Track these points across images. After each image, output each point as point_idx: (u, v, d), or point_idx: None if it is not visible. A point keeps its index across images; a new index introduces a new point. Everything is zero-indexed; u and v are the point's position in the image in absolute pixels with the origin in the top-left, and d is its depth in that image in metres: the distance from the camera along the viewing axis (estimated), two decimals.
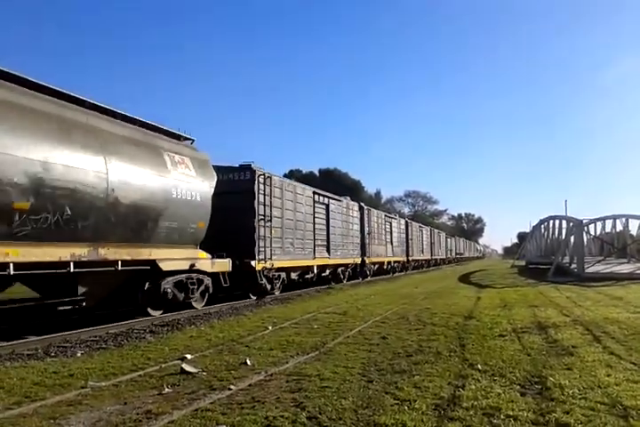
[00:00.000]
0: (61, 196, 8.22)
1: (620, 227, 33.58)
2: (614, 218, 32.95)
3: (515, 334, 8.17)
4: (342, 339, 7.96)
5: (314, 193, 19.48)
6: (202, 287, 12.25)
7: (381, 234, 29.45)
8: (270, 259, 15.06)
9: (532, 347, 7.12)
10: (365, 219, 25.96)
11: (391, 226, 31.97)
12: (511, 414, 4.22)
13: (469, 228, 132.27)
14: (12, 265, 7.52)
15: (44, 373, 6.06)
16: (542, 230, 39.34)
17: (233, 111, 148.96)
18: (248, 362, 6.32)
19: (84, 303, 9.60)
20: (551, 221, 36.21)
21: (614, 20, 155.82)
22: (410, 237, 37.14)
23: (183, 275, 11.50)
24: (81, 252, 8.70)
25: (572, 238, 28.79)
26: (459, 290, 18.69)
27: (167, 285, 11.02)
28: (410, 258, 36.92)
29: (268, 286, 15.58)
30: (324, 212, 20.45)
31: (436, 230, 54.56)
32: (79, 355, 7.28)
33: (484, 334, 8.16)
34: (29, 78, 8.63)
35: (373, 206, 25.92)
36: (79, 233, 8.66)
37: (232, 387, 5.20)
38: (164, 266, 10.70)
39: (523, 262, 45.78)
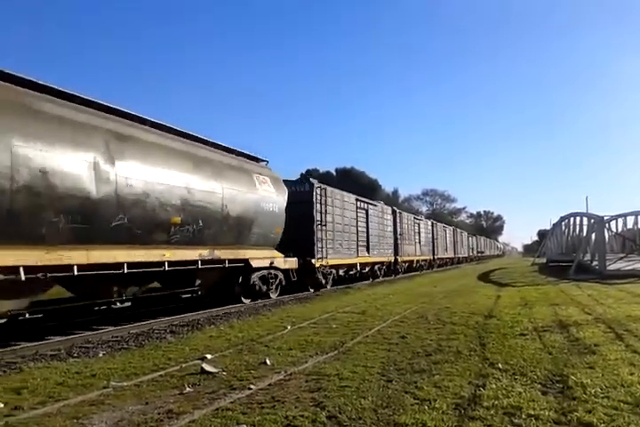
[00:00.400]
0: (198, 212, 11.16)
1: None
2: (636, 214, 32.42)
3: (536, 333, 8.10)
4: (361, 338, 7.96)
5: (356, 200, 22.30)
6: (277, 281, 15.31)
7: (411, 235, 31.86)
8: (325, 258, 17.99)
9: (553, 346, 7.05)
10: (397, 221, 28.46)
11: (419, 227, 34.45)
12: (532, 413, 4.18)
13: (488, 226, 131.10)
14: (166, 263, 10.31)
15: (66, 373, 6.15)
16: (563, 228, 38.91)
17: (249, 111, 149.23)
18: (267, 362, 6.35)
19: (199, 292, 12.80)
20: (572, 219, 35.79)
21: (617, 21, 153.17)
22: (435, 236, 39.48)
23: (265, 271, 14.56)
24: (204, 253, 11.55)
25: (594, 235, 28.45)
26: (478, 289, 18.57)
27: (255, 278, 14.04)
28: (435, 256, 39.20)
29: (323, 281, 18.40)
30: (365, 216, 23.25)
31: (458, 230, 56.39)
32: (101, 355, 7.38)
33: (505, 333, 8.10)
34: (173, 127, 11.62)
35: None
36: (204, 239, 11.54)
37: (252, 387, 5.23)
38: (254, 263, 13.68)
39: (543, 260, 45.33)
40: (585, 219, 31.81)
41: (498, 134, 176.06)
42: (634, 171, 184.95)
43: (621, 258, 28.83)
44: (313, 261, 17.10)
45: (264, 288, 14.54)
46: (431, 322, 9.57)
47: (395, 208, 29.13)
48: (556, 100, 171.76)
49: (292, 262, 15.84)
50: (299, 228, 16.10)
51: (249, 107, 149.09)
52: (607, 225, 28.80)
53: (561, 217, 39.93)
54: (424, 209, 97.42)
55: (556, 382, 5.17)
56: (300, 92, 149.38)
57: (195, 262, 11.22)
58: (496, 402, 4.47)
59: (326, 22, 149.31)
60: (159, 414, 4.45)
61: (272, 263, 14.59)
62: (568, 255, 33.80)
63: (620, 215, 31.18)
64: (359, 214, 22.30)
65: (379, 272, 25.42)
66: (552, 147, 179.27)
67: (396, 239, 27.76)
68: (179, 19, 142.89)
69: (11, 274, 7.21)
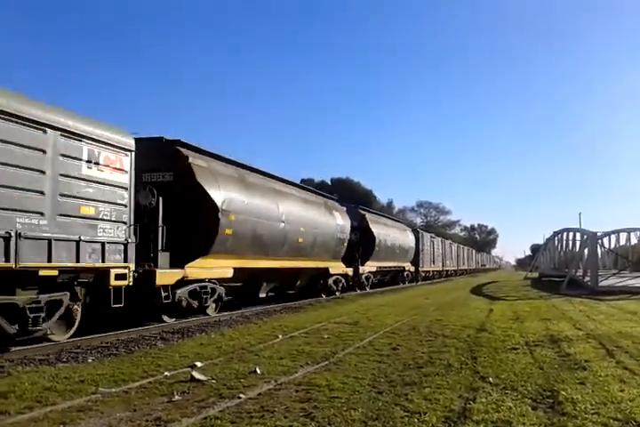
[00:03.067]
0: (319, 234, 18.02)
1: (634, 240, 33.28)
2: (629, 231, 32.60)
3: (527, 348, 8.10)
4: (352, 349, 7.94)
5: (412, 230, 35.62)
6: (341, 283, 21.34)
7: (427, 250, 39.06)
8: (363, 265, 24.52)
9: (544, 360, 7.05)
10: (419, 239, 35.91)
11: (433, 244, 41.66)
12: None
13: (482, 239, 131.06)
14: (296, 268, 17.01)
15: (55, 378, 6.09)
16: (556, 243, 39.03)
17: (241, 116, 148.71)
18: (258, 371, 6.32)
19: (295, 291, 18.53)
20: (565, 234, 35.92)
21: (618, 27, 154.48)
22: (443, 251, 47.08)
23: (337, 276, 20.71)
24: (308, 263, 17.48)
25: (586, 251, 28.54)
26: (471, 301, 18.57)
27: (331, 281, 20.32)
28: (444, 268, 47.44)
29: (366, 283, 25.51)
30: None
31: (465, 247, 68.65)
32: (90, 361, 7.32)
33: (496, 347, 8.10)
34: (294, 182, 19.09)
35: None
36: (309, 254, 17.50)
37: (241, 395, 5.19)
38: (331, 270, 19.99)
39: (536, 275, 45.39)
40: (578, 234, 31.91)
41: (494, 148, 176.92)
42: (628, 188, 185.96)
43: (613, 274, 28.87)
44: (361, 268, 23.97)
45: (335, 289, 20.56)
46: (423, 334, 9.56)
47: (417, 229, 39.61)
48: (550, 115, 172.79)
49: (349, 270, 21.96)
50: (356, 245, 22.81)
51: (240, 110, 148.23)
52: (600, 241, 28.88)
53: (554, 232, 40.08)
54: (418, 221, 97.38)
55: (547, 397, 5.17)
56: (296, 101, 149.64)
57: (302, 269, 17.10)
58: (486, 416, 4.46)
59: (327, 34, 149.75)
60: (147, 421, 4.41)
61: (342, 271, 20.97)
62: (560, 270, 33.88)
63: (612, 232, 31.33)
64: (412, 237, 33.98)
65: (407, 277, 34.00)
66: (547, 162, 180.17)
67: (417, 254, 35.04)
68: (178, 18, 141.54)
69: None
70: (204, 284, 11.94)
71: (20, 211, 7.35)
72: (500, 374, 6.18)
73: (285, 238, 15.48)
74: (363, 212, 25.25)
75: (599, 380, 5.87)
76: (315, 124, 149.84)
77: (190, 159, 11.79)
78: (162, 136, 11.77)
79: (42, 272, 7.61)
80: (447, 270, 49.33)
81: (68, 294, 8.44)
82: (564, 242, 36.05)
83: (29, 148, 7.54)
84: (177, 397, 5.17)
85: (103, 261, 8.68)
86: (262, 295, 16.12)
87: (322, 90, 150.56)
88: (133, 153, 9.56)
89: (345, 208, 22.17)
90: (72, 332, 8.91)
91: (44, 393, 5.36)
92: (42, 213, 7.65)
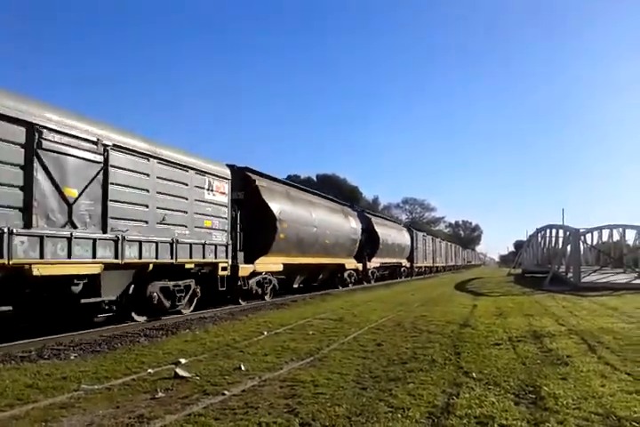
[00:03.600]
0: (339, 236, 21.75)
1: (616, 237, 33.66)
2: (611, 228, 32.98)
3: (510, 343, 8.17)
4: (337, 345, 7.95)
5: (407, 229, 39.81)
6: (354, 277, 25.38)
7: (421, 248, 42.72)
8: (369, 261, 28.17)
9: (526, 356, 7.11)
10: (414, 238, 39.10)
11: (425, 242, 45.66)
12: (505, 423, 4.21)
13: (466, 235, 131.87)
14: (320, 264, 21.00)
15: (37, 375, 6.03)
16: (539, 239, 39.39)
17: (230, 111, 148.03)
18: (242, 367, 6.30)
19: (318, 283, 22.04)
20: (548, 230, 36.25)
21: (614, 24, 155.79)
22: (434, 248, 51.17)
23: (350, 270, 24.59)
24: (330, 259, 21.43)
25: (569, 248, 28.85)
26: (455, 297, 18.69)
27: (346, 275, 24.29)
28: (434, 264, 51.70)
29: (371, 277, 29.38)
30: (410, 237, 38.13)
31: (452, 244, 72.35)
32: (72, 358, 7.26)
33: (480, 343, 8.16)
34: (321, 193, 23.33)
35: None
36: (330, 252, 21.15)
37: (225, 392, 5.18)
38: (346, 266, 23.89)
39: (519, 271, 45.80)
40: (561, 231, 32.19)
41: (478, 144, 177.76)
42: (610, 184, 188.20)
43: (596, 271, 29.25)
44: (368, 264, 27.71)
45: (349, 282, 24.56)
46: (408, 330, 9.60)
47: (412, 228, 42.03)
48: (534, 111, 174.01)
49: (359, 265, 25.83)
50: (365, 244, 26.32)
51: (234, 107, 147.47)
52: (582, 238, 29.23)
53: (537, 229, 40.45)
54: (403, 217, 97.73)
55: (529, 392, 5.21)
56: (282, 92, 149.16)
57: (326, 264, 21.35)
58: (469, 411, 4.49)
59: (323, 21, 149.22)
60: (130, 418, 4.38)
61: (354, 266, 24.90)
62: (543, 266, 34.23)
63: (595, 228, 31.65)
64: (408, 236, 37.54)
65: (403, 271, 37.56)
66: (531, 158, 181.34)
67: (412, 251, 38.34)
68: (177, 19, 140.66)
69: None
70: (264, 276, 15.84)
71: (177, 225, 11.12)
72: (483, 369, 6.23)
73: (317, 240, 19.51)
74: (369, 215, 29.85)
75: (581, 375, 5.93)
76: (301, 121, 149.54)
77: (257, 182, 15.82)
78: (233, 164, 14.97)
79: (187, 266, 11.47)
80: (437, 266, 53.74)
81: (194, 280, 12.10)
82: (547, 238, 36.39)
83: (181, 183, 11.38)
84: (160, 394, 5.14)
85: (216, 257, 12.54)
86: (295, 286, 19.96)
87: (309, 89, 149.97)
88: (230, 180, 13.50)
89: (356, 213, 26.73)
90: (192, 307, 12.58)
91: (25, 391, 5.31)
92: (186, 226, 11.44)
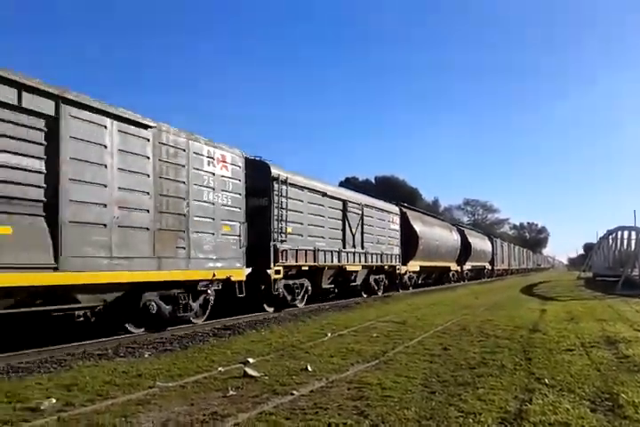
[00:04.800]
0: (448, 246, 30.57)
1: None
2: None
3: (583, 349, 7.88)
4: (402, 348, 7.90)
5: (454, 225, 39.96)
6: (455, 276, 32.44)
7: (499, 253, 49.23)
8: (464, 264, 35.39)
9: (601, 362, 6.85)
10: (494, 245, 45.60)
11: (502, 248, 52.42)
12: None
13: (532, 237, 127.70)
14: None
15: (113, 372, 6.31)
16: (610, 241, 37.74)
17: (287, 111, 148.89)
18: (309, 368, 6.37)
19: (432, 281, 30.00)
20: (619, 232, 34.78)
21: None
22: (509, 253, 57.57)
23: (453, 271, 31.64)
24: (444, 263, 29.88)
25: None
26: (522, 302, 18.16)
27: (451, 274, 32.31)
28: (510, 267, 58.25)
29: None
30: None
31: (524, 249, 78.72)
32: (146, 356, 7.55)
33: (551, 348, 7.91)
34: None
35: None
36: (444, 257, 29.31)
37: (294, 392, 5.25)
38: (451, 267, 31.24)
39: (590, 274, 44.01)
40: (633, 233, 30.88)
41: (542, 145, 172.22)
42: None
43: None
44: (463, 266, 34.77)
45: (452, 279, 31.17)
46: (474, 334, 9.42)
47: (491, 236, 48.41)
48: (607, 107, 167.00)
49: (458, 268, 32.50)
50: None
51: (288, 108, 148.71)
52: None
53: (608, 230, 38.76)
54: (465, 219, 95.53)
55: (606, 399, 5.02)
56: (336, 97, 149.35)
57: (440, 267, 28.66)
58: (543, 418, 4.37)
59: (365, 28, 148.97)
60: (204, 415, 4.52)
61: (455, 268, 31.35)
62: (615, 270, 32.77)
63: None
64: (489, 243, 44.60)
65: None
66: (601, 155, 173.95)
67: (492, 255, 44.96)
68: (179, 20, 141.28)
69: None
70: (410, 275, 24.48)
71: (385, 244, 20.61)
72: (555, 375, 6.04)
73: (438, 249, 27.47)
74: (462, 228, 37.81)
75: None
76: (358, 122, 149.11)
77: (407, 213, 24.91)
78: (397, 202, 24.80)
79: (385, 267, 21.56)
80: (511, 269, 60.71)
81: (384, 275, 21.53)
82: (619, 241, 34.90)
83: (383, 220, 21.03)
84: (231, 392, 5.27)
85: (391, 261, 21.94)
86: (419, 282, 26.53)
87: (377, 91, 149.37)
88: (399, 215, 23.49)
89: (455, 227, 35.01)
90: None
91: (104, 386, 5.57)
92: (391, 245, 21.34)
